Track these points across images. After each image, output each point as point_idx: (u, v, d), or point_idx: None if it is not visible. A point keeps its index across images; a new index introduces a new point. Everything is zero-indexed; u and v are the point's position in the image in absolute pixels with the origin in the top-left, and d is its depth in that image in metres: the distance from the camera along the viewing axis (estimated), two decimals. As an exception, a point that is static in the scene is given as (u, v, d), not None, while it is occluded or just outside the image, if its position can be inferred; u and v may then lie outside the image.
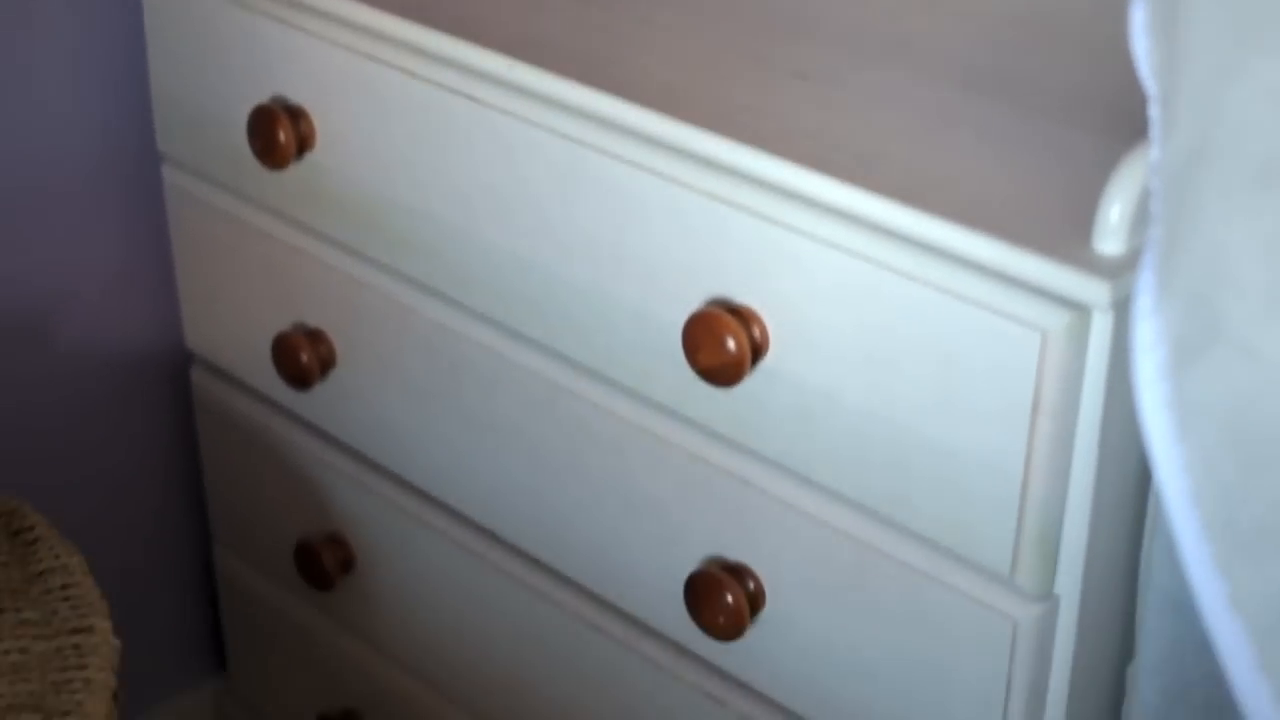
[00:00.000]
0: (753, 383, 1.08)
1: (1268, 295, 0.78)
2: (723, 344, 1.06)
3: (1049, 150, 1.02)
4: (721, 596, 1.14)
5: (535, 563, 1.30)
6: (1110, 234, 0.92)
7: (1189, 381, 0.81)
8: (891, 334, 1.00)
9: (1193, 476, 0.81)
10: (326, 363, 1.37)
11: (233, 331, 1.45)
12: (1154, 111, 0.84)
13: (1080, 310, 0.93)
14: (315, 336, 1.36)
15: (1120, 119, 1.01)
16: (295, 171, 1.30)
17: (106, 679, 1.16)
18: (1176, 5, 0.81)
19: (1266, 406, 0.79)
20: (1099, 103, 1.06)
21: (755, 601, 1.14)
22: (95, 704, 1.13)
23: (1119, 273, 0.91)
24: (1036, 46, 1.16)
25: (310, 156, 1.29)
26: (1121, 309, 0.92)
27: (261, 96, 1.30)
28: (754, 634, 1.15)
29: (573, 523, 1.25)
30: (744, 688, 1.19)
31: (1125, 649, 1.06)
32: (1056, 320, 0.93)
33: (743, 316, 1.06)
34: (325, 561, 1.44)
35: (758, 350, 1.07)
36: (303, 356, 1.36)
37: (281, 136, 1.27)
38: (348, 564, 1.45)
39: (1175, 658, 0.95)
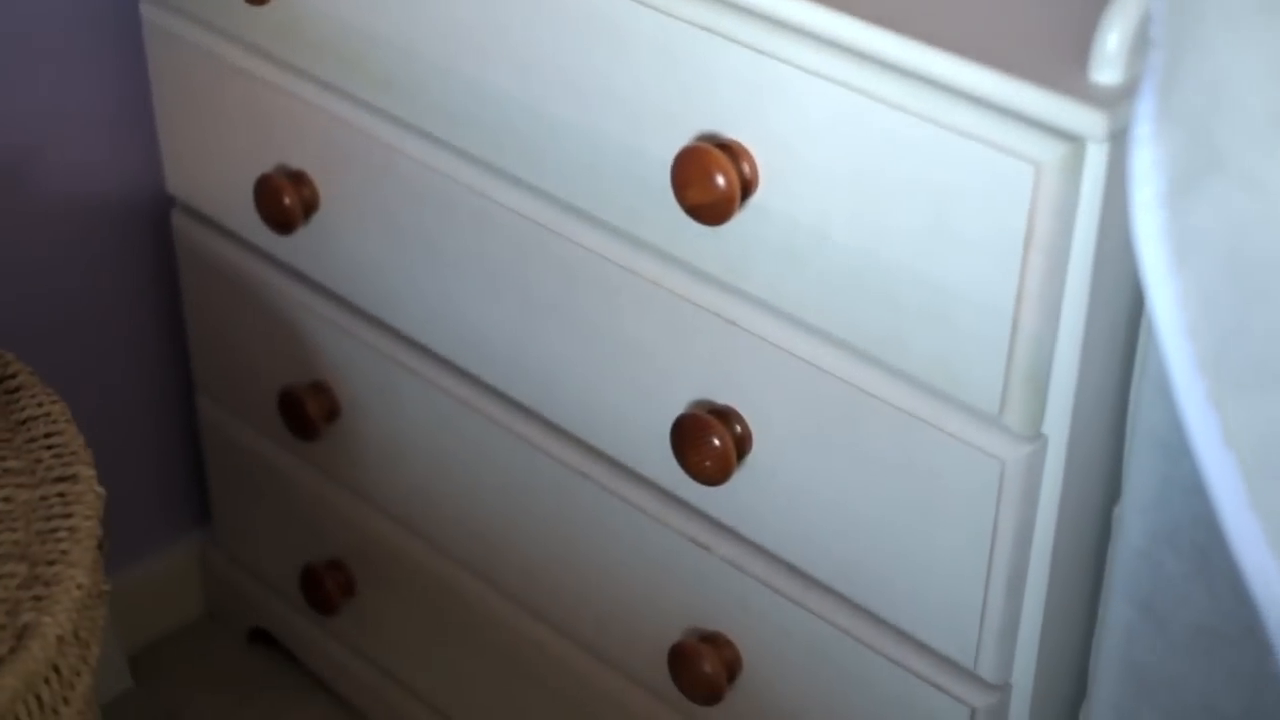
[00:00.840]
0: (742, 220, 1.06)
1: (1272, 122, 0.76)
2: (712, 180, 1.04)
3: (1047, -21, 1.00)
4: (708, 440, 1.12)
5: (521, 408, 1.29)
6: (1107, 63, 0.90)
7: (1187, 210, 0.79)
8: (882, 168, 0.98)
9: (1188, 309, 0.79)
10: (309, 205, 1.34)
11: (214, 174, 1.43)
12: (1155, -69, 0.81)
13: (1075, 142, 0.91)
14: (297, 178, 1.34)
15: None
16: (276, 7, 1.28)
17: (92, 527, 1.15)
18: None
19: (1267, 236, 0.77)
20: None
21: (742, 445, 1.12)
22: (80, 552, 1.13)
23: (1115, 103, 0.89)
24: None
25: (291, -9, 1.26)
26: (1118, 140, 0.90)
27: (241, -71, 1.27)
28: (740, 478, 1.14)
29: (560, 367, 1.23)
30: (730, 533, 1.18)
31: (1113, 490, 1.05)
32: (1051, 152, 0.91)
33: (732, 152, 1.04)
34: (309, 410, 1.43)
35: (747, 186, 1.05)
36: (285, 199, 1.34)
37: (262, -30, 1.25)
38: (332, 412, 1.43)
39: (1163, 499, 0.94)
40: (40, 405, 1.23)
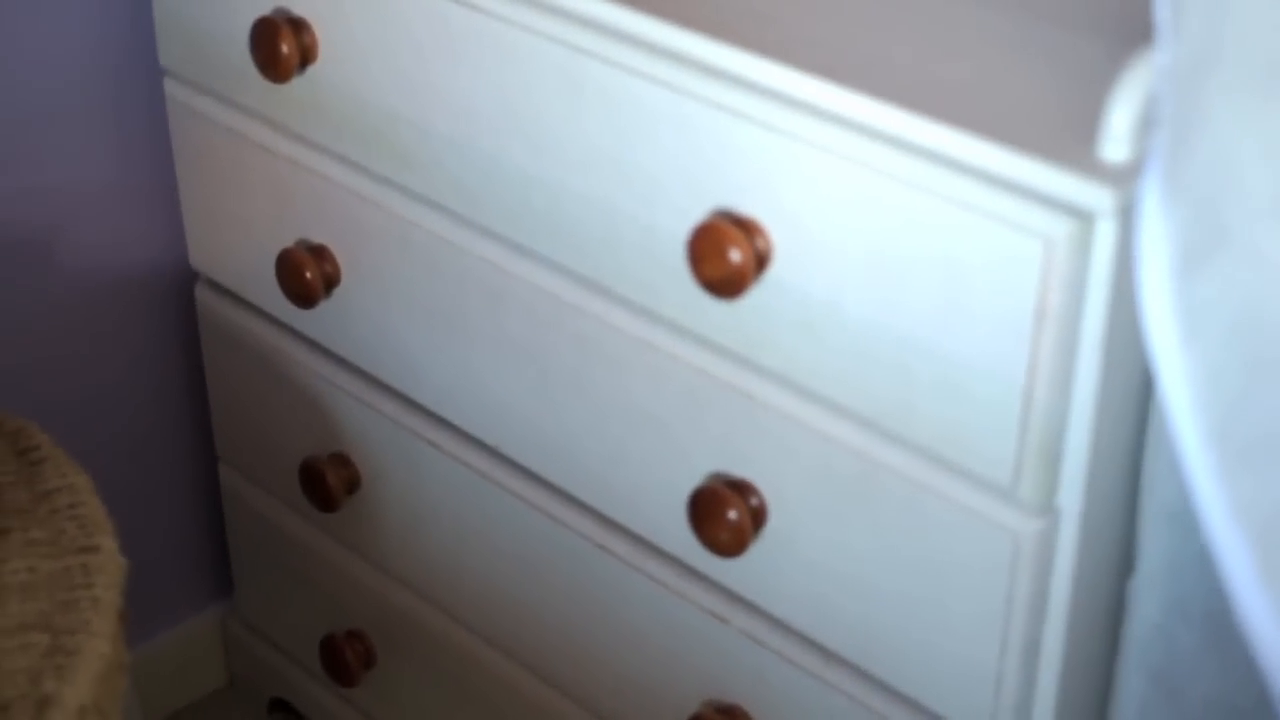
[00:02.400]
0: (756, 294, 1.07)
1: (1275, 199, 0.76)
2: (726, 255, 1.05)
3: (1055, 55, 1.01)
4: (725, 513, 1.13)
5: (540, 481, 1.30)
6: (1115, 140, 0.91)
7: (1195, 286, 0.80)
8: (895, 243, 0.99)
9: (1196, 383, 0.80)
10: (331, 279, 1.36)
11: (236, 248, 1.45)
12: (1160, 13, 0.82)
13: (1084, 217, 0.92)
14: (319, 253, 1.35)
15: (1127, 23, 0.99)
16: (298, 84, 1.29)
17: (113, 598, 1.15)
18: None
19: (1273, 312, 0.77)
20: (1106, 6, 1.05)
21: (758, 517, 1.13)
22: (102, 623, 1.13)
23: (1124, 179, 0.90)
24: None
25: (313, 69, 1.28)
26: (1126, 216, 0.91)
27: (264, 8, 1.29)
28: (757, 550, 1.14)
29: (578, 440, 1.24)
30: (747, 605, 1.19)
31: (1126, 563, 1.05)
32: (1060, 227, 0.92)
33: (746, 227, 1.05)
34: (330, 481, 1.43)
35: (761, 261, 1.06)
36: (306, 273, 1.35)
37: (284, 48, 1.26)
38: (352, 484, 1.44)
39: (1176, 571, 0.95)
40: (64, 477, 1.24)
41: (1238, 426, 0.79)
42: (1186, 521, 0.92)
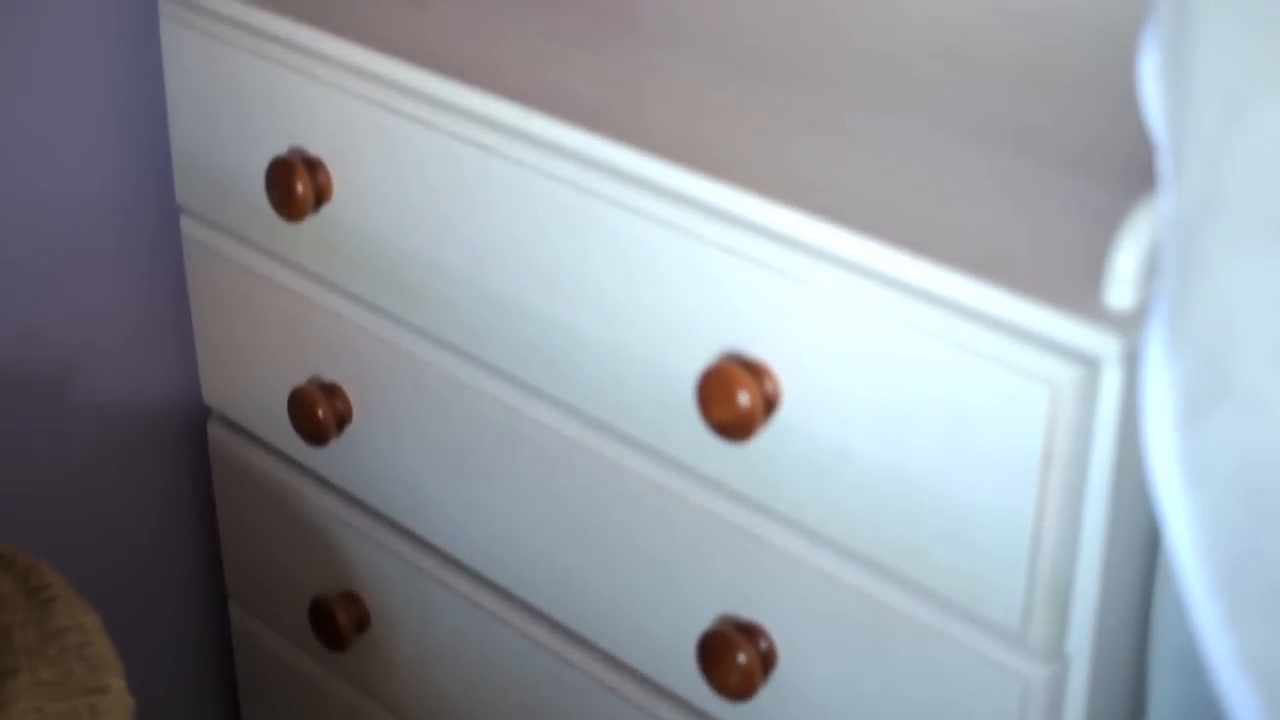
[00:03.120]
0: (765, 437, 1.07)
1: (1277, 349, 0.76)
2: (735, 398, 1.05)
3: (1061, 201, 1.02)
4: (733, 656, 1.12)
5: (550, 621, 1.29)
6: (1121, 286, 0.91)
7: (1199, 435, 0.80)
8: (902, 387, 0.99)
9: (1202, 531, 0.80)
10: (342, 418, 1.36)
11: (250, 385, 1.45)
12: (1163, 162, 0.83)
13: (1090, 363, 0.92)
14: (331, 391, 1.36)
15: (1133, 169, 1.00)
16: (312, 223, 1.30)
17: (121, 739, 1.15)
18: (1184, 51, 0.80)
19: (1277, 462, 0.77)
20: (1112, 152, 1.05)
21: (767, 660, 1.12)
22: (109, 763, 1.13)
23: (1129, 325, 0.90)
24: (1051, 95, 1.15)
25: (327, 208, 1.29)
26: (1132, 361, 0.91)
27: (279, 148, 1.30)
28: (766, 694, 1.13)
29: (587, 580, 1.23)
30: (756, 749, 1.18)
31: (1136, 708, 1.04)
32: (1067, 373, 0.92)
33: (755, 370, 1.05)
34: (340, 620, 1.43)
35: (770, 404, 1.06)
36: (318, 411, 1.35)
37: (299, 188, 1.27)
38: (362, 622, 1.44)
39: (1185, 717, 0.94)
40: (74, 616, 1.24)
41: (1245, 576, 0.78)
42: (1195, 667, 0.91)
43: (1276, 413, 0.76)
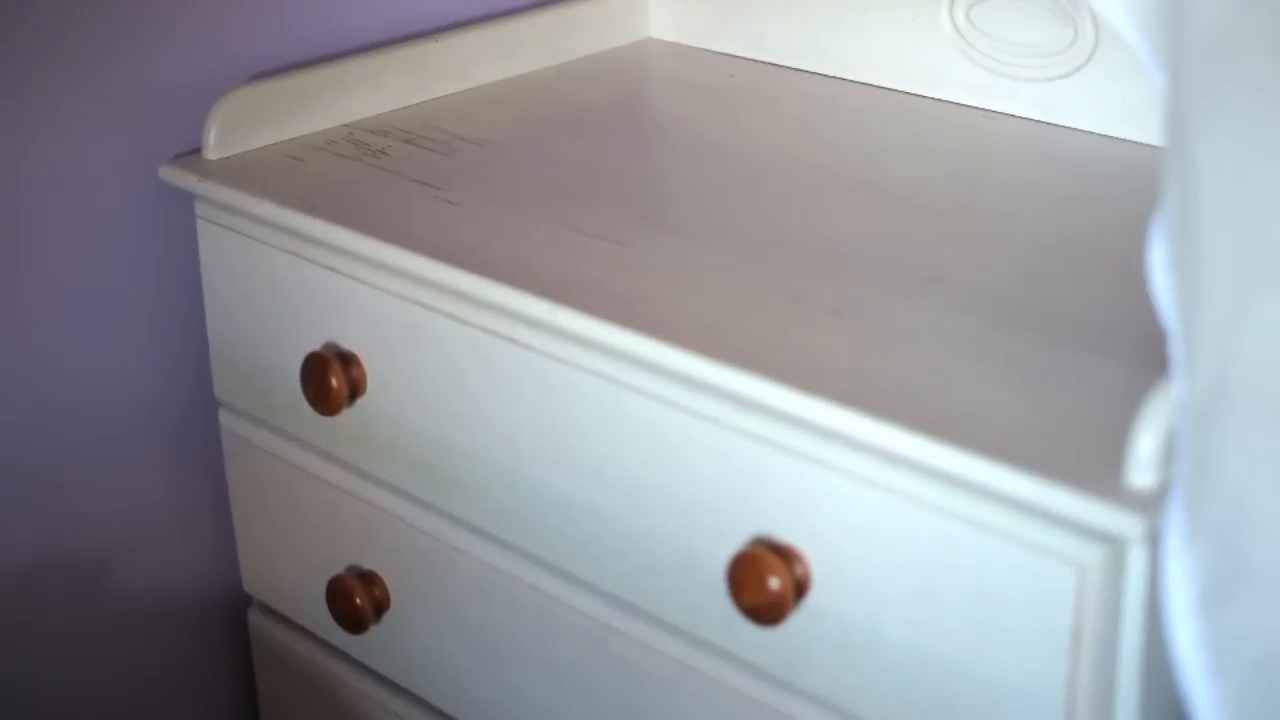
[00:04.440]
0: (796, 620, 1.08)
1: (1293, 535, 0.78)
2: (765, 583, 1.07)
3: (1082, 382, 1.03)
4: (773, 837, 1.13)
5: (589, 804, 1.30)
6: (1142, 466, 0.92)
7: (1219, 620, 0.81)
8: (929, 569, 1.01)
9: (1228, 714, 0.81)
10: (380, 605, 1.38)
11: (289, 574, 1.47)
12: (1174, 350, 0.85)
13: (1116, 543, 0.93)
14: (369, 579, 1.37)
15: (1154, 349, 1.02)
16: (348, 416, 1.33)
17: None
18: (1191, 243, 0.82)
19: (1298, 644, 0.78)
20: (1133, 333, 1.07)
21: (808, 843, 1.13)
22: None
23: (1152, 505, 0.91)
24: (1070, 277, 1.17)
25: (362, 401, 1.31)
26: (1156, 541, 0.92)
27: (314, 344, 1.33)
28: None
29: (625, 762, 1.24)
30: None
31: None
32: (1092, 553, 0.94)
33: (785, 555, 1.07)
34: (381, 807, 1.44)
35: (801, 588, 1.07)
36: (356, 600, 1.37)
37: (334, 383, 1.30)
38: (403, 810, 1.44)
39: None
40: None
41: (1272, 758, 0.79)
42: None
43: (1295, 598, 0.77)
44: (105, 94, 1.40)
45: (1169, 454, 0.91)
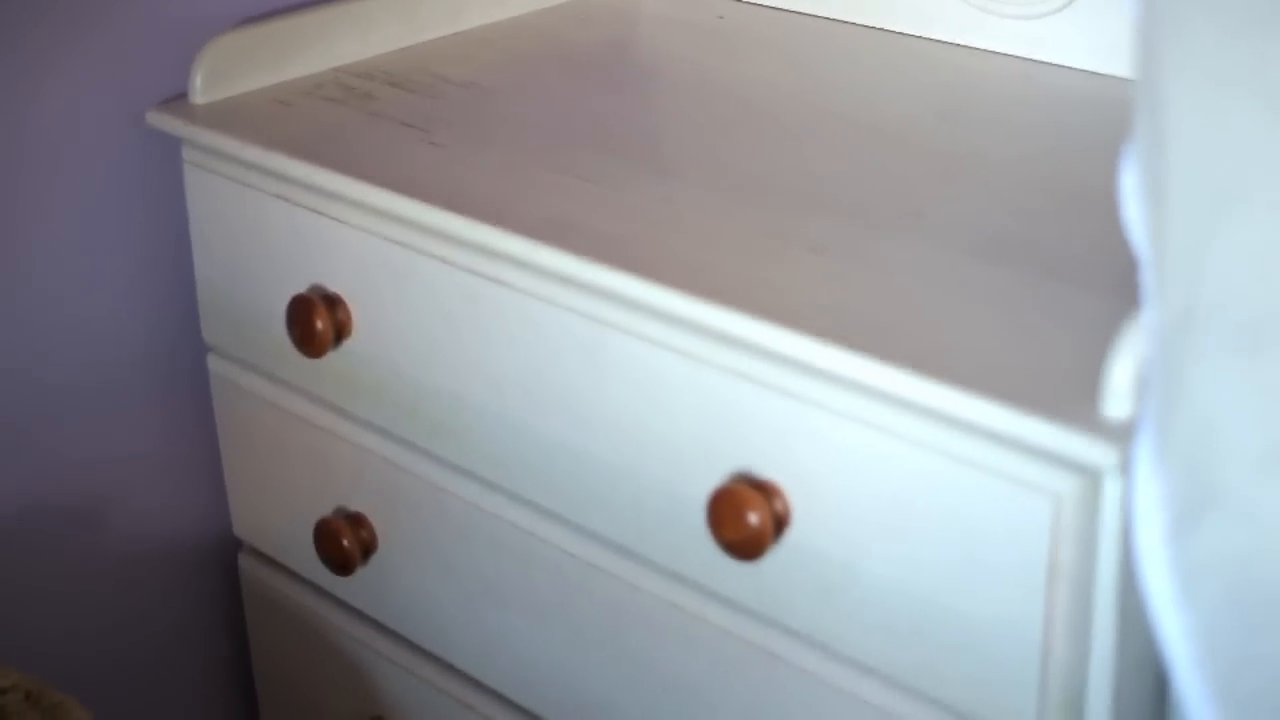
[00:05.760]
0: (776, 556, 1.08)
1: (1260, 458, 0.78)
2: (745, 519, 1.07)
3: (1060, 314, 1.03)
4: (756, 773, 1.13)
5: (576, 744, 1.30)
6: (1117, 397, 0.92)
7: (1190, 545, 0.81)
8: (908, 503, 1.01)
9: (1197, 641, 0.81)
10: (368, 546, 1.38)
11: (278, 517, 1.47)
12: (1146, 276, 0.85)
13: (1091, 474, 0.93)
14: (356, 521, 1.38)
15: (1134, 283, 1.02)
16: (333, 359, 1.33)
17: None
18: (1160, 168, 0.82)
19: (1267, 569, 0.78)
20: (1111, 266, 1.07)
21: (789, 777, 1.13)
22: None
23: (1127, 435, 0.92)
24: (1053, 212, 1.17)
25: (348, 344, 1.31)
26: (1131, 471, 0.92)
27: (300, 286, 1.33)
28: (789, 810, 1.14)
29: (610, 701, 1.25)
30: None
31: (1152, 817, 1.04)
32: (1068, 484, 0.94)
33: (765, 491, 1.07)
34: (372, 746, 1.44)
35: (780, 524, 1.07)
36: (344, 541, 1.37)
37: (319, 325, 1.30)
38: (394, 748, 1.45)
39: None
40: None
41: (1240, 683, 0.79)
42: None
43: (1262, 520, 0.77)
44: (92, 40, 1.40)
45: (1144, 384, 0.91)
